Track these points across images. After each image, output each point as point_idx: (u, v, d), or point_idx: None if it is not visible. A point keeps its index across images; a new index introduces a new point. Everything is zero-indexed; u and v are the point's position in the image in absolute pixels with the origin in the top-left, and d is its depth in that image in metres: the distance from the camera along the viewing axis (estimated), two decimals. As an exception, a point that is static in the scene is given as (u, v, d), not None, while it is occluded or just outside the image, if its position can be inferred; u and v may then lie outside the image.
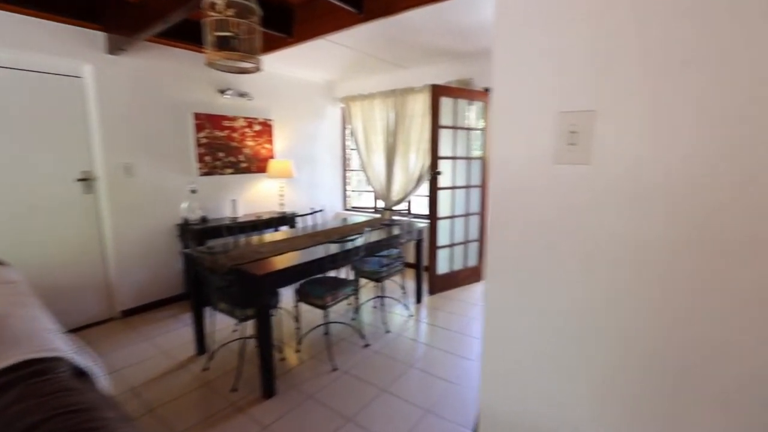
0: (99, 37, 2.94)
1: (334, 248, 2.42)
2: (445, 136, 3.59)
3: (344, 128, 5.17)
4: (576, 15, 0.88)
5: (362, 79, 4.69)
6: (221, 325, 2.93)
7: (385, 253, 3.05)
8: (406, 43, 3.40)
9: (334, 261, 2.40)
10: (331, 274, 2.68)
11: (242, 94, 3.94)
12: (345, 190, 5.28)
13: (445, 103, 3.55)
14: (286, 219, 4.03)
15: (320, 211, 3.82)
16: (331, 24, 2.93)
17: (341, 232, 2.99)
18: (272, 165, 4.09)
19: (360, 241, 2.56)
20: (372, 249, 2.87)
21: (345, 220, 3.93)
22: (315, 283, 2.54)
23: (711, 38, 0.74)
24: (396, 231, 3.18)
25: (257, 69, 1.96)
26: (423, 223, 3.72)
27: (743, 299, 0.76)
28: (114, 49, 2.95)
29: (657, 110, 0.81)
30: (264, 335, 2.11)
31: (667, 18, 0.78)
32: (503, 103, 1.01)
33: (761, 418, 0.77)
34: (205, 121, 3.68)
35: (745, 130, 0.72)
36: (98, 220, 3.12)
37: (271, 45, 3.41)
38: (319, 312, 2.56)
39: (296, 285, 2.58)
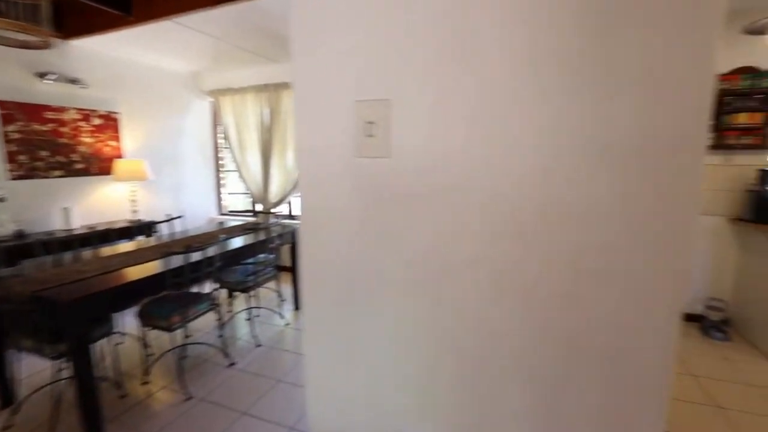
0: None
1: (180, 260, 2.11)
2: (319, 134, 3.46)
3: (215, 124, 4.69)
4: (370, 3, 0.82)
5: (233, 72, 4.30)
6: (40, 366, 2.36)
7: (251, 260, 2.81)
8: (271, 34, 3.18)
9: (178, 275, 2.08)
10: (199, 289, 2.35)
11: (72, 80, 3.25)
12: (219, 192, 4.80)
13: (318, 99, 3.42)
14: (134, 229, 3.39)
15: (179, 217, 3.37)
16: (177, 4, 2.58)
17: (199, 241, 2.65)
18: (119, 166, 3.47)
19: (212, 249, 2.28)
20: (235, 257, 2.60)
21: (221, 224, 3.55)
22: (160, 302, 2.18)
23: (500, 33, 0.74)
24: (265, 235, 2.95)
25: (46, 45, 1.57)
26: (301, 225, 3.55)
27: (536, 293, 0.79)
28: None
29: (453, 103, 0.79)
30: (83, 373, 1.72)
31: (455, 7, 0.76)
32: (304, 93, 0.92)
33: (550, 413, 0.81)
34: (17, 111, 2.95)
35: (545, 129, 0.74)
36: None
37: (107, 24, 2.89)
38: (178, 334, 2.22)
39: (143, 305, 2.19)
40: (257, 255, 2.83)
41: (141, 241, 3.04)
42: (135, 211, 3.59)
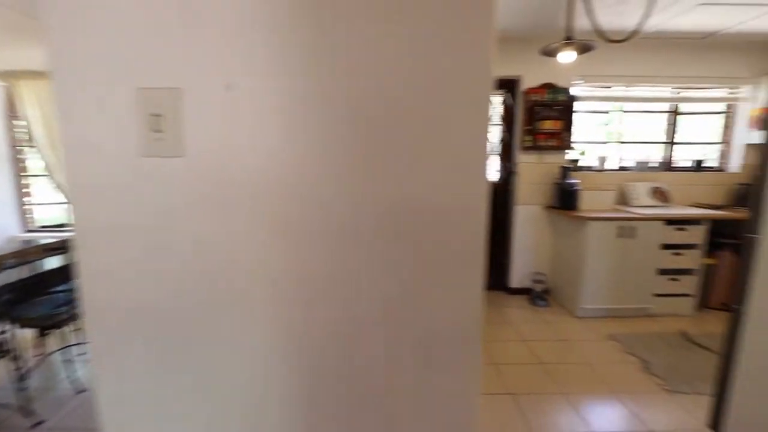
0: None
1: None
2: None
3: (11, 117, 3.66)
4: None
5: (34, 50, 3.40)
6: None
7: (64, 287, 2.25)
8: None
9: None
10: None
11: None
12: (22, 203, 3.77)
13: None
14: None
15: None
16: None
17: (-24, 270, 2.00)
18: None
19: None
20: (37, 285, 2.04)
21: (28, 243, 2.75)
22: None
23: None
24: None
25: None
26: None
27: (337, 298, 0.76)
28: None
29: (243, 96, 0.71)
30: None
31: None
32: (68, 77, 0.71)
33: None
34: None
35: (341, 130, 0.70)
36: None
37: None
38: None
39: None
40: (73, 280, 2.28)
41: None
42: None
